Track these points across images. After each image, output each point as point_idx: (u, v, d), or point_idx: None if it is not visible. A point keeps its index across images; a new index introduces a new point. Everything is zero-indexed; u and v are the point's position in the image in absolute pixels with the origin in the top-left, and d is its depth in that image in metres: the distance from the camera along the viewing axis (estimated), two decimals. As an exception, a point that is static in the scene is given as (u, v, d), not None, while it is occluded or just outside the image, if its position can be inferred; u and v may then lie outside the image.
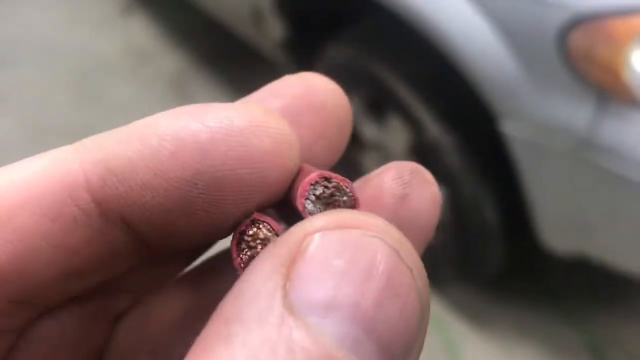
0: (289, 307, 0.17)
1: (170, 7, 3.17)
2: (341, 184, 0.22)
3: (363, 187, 0.26)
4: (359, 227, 0.19)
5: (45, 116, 2.55)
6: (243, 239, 0.21)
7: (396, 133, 1.66)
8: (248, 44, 2.42)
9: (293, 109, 0.26)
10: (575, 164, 1.26)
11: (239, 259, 0.21)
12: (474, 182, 1.49)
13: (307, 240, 0.18)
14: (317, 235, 0.18)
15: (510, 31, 1.24)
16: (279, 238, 0.19)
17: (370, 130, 1.77)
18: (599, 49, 1.15)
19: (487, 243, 1.58)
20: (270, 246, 0.19)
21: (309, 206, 0.21)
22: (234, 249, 0.21)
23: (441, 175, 1.57)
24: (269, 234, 0.21)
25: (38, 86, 2.74)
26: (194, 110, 0.21)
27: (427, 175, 0.26)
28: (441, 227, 1.68)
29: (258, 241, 0.21)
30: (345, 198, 0.22)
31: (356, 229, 0.19)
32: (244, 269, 0.21)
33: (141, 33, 3.07)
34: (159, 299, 0.27)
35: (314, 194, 0.21)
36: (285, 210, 0.23)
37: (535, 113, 1.26)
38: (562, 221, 1.40)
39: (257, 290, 0.18)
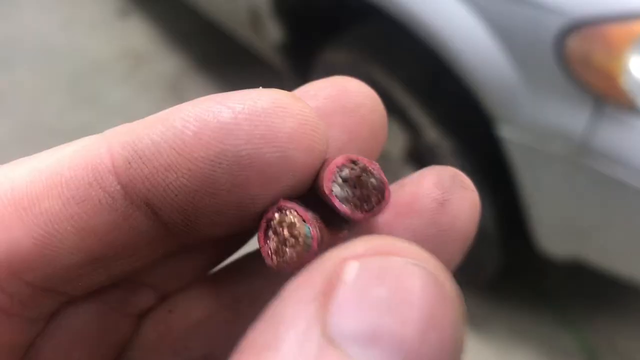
0: (328, 337, 0.16)
1: (168, 9, 3.17)
2: (368, 166, 0.21)
3: (398, 191, 0.25)
4: (400, 254, 0.18)
5: (42, 117, 2.54)
6: (269, 226, 0.21)
7: (394, 137, 1.66)
8: (246, 47, 2.43)
9: (325, 110, 0.26)
10: (572, 169, 1.26)
11: (266, 245, 0.21)
12: (471, 186, 1.49)
13: (345, 267, 0.17)
14: (355, 263, 0.17)
15: (508, 36, 1.25)
16: (315, 263, 0.18)
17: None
18: (596, 54, 1.15)
19: (484, 247, 1.58)
20: (306, 271, 0.18)
21: (336, 189, 0.21)
22: (261, 236, 0.21)
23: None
24: (295, 219, 0.21)
25: (35, 87, 2.73)
26: (218, 96, 0.21)
27: (466, 180, 0.25)
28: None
29: (284, 225, 0.21)
30: (373, 180, 0.21)
31: (396, 256, 0.18)
32: (270, 256, 0.21)
33: (138, 35, 3.07)
34: (184, 298, 0.27)
35: (340, 177, 0.21)
36: (313, 201, 0.22)
37: (533, 118, 1.26)
38: (559, 225, 1.40)
39: (293, 318, 0.17)
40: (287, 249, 0.20)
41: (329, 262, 0.18)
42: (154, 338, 0.26)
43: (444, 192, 0.24)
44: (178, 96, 2.62)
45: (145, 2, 3.31)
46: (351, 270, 0.17)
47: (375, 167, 0.21)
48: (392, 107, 1.61)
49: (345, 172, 0.21)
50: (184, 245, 0.24)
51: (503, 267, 1.66)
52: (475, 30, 1.29)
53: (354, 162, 0.21)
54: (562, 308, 1.77)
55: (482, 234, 1.55)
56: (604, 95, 1.17)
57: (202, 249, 0.26)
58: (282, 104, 0.21)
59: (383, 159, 1.75)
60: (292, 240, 0.20)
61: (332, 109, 0.26)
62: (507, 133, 1.32)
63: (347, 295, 0.17)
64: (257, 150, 0.21)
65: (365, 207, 0.21)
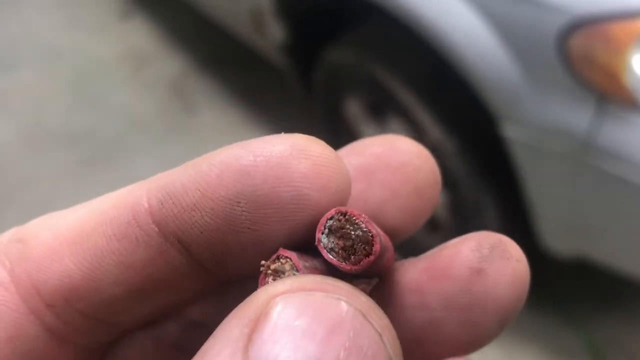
0: None
1: (170, 10, 3.17)
2: (355, 218, 0.22)
3: (437, 254, 0.25)
4: (323, 290, 0.19)
5: (45, 118, 2.55)
6: (267, 273, 0.22)
7: (397, 136, 1.66)
8: (248, 47, 2.43)
9: (369, 166, 0.26)
10: (576, 167, 1.26)
11: None
12: (475, 184, 1.49)
13: (271, 303, 0.19)
14: (279, 298, 0.19)
15: (511, 35, 1.24)
16: (247, 299, 0.20)
17: (370, 133, 1.77)
18: (599, 52, 1.15)
19: (488, 246, 1.58)
20: (237, 308, 0.20)
21: (324, 240, 0.22)
22: (261, 283, 0.22)
23: (442, 178, 1.57)
24: (287, 267, 0.22)
25: (38, 89, 2.74)
26: (246, 142, 0.23)
27: (511, 250, 0.25)
28: (442, 229, 1.68)
29: (276, 272, 0.22)
30: (359, 232, 0.22)
31: (320, 291, 0.19)
32: None
33: (141, 36, 3.08)
34: None
35: (328, 228, 0.22)
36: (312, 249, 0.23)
37: (536, 116, 1.26)
38: (563, 224, 1.40)
39: (219, 349, 0.18)
40: None
41: (258, 299, 0.19)
42: None
43: (481, 260, 0.24)
44: (181, 96, 2.62)
45: (147, 3, 3.31)
46: (275, 305, 0.19)
47: (363, 219, 0.22)
48: (395, 107, 1.61)
49: (330, 223, 0.22)
50: (219, 281, 0.25)
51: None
52: (477, 29, 1.29)
53: (343, 214, 0.22)
54: (567, 307, 1.77)
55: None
56: (606, 93, 1.17)
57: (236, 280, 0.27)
58: (300, 147, 0.22)
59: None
60: None
61: (375, 166, 0.26)
62: (511, 132, 1.32)
63: (270, 328, 0.18)
64: (273, 190, 0.22)
65: (352, 259, 0.22)
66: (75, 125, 2.50)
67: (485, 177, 1.50)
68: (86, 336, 0.24)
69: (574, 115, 1.21)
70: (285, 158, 0.22)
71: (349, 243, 0.22)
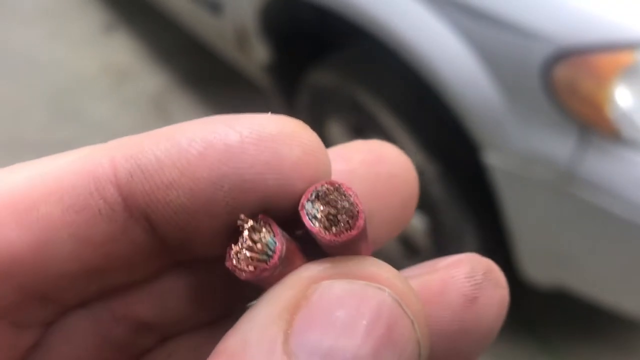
0: (289, 353, 0.18)
1: (153, 26, 3.17)
2: (344, 188, 0.21)
3: (429, 276, 0.24)
4: (364, 278, 0.19)
5: (23, 132, 2.51)
6: (241, 232, 0.21)
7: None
8: (230, 65, 2.42)
9: (358, 174, 0.26)
10: (557, 197, 1.26)
11: (230, 248, 0.21)
12: (455, 211, 1.49)
13: (313, 288, 0.19)
14: (322, 284, 0.19)
15: (496, 63, 1.25)
16: (287, 280, 0.20)
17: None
18: (583, 83, 1.15)
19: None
20: (276, 288, 0.19)
21: (308, 205, 0.21)
22: (229, 247, 0.21)
23: (423, 204, 1.57)
24: (263, 229, 0.20)
25: (17, 101, 2.71)
26: (226, 118, 0.21)
27: (500, 278, 0.25)
28: (420, 254, 1.67)
29: (251, 232, 0.20)
30: (345, 203, 0.21)
31: (361, 280, 0.19)
32: (230, 259, 0.20)
33: (122, 51, 3.06)
34: (184, 343, 0.26)
35: (316, 194, 0.21)
36: (306, 239, 0.22)
37: (518, 145, 1.26)
38: (542, 253, 1.40)
39: (260, 332, 0.18)
40: (247, 253, 0.20)
41: (299, 281, 0.19)
42: None
43: (475, 288, 0.24)
44: (162, 113, 2.61)
45: (130, 18, 3.30)
46: (317, 290, 0.19)
47: (352, 193, 0.21)
48: (377, 130, 1.61)
49: (319, 189, 0.21)
50: (178, 261, 0.23)
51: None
52: (462, 56, 1.29)
53: (332, 184, 0.21)
54: (543, 334, 1.77)
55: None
56: (590, 123, 1.17)
57: (211, 298, 0.26)
58: (290, 131, 0.21)
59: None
60: (254, 247, 0.20)
61: (365, 175, 0.25)
62: (493, 159, 1.32)
63: (310, 315, 0.18)
64: (260, 176, 0.20)
65: (334, 229, 0.21)
66: (54, 139, 2.47)
67: (465, 203, 1.50)
68: (24, 314, 0.22)
69: (557, 145, 1.21)
70: (275, 142, 0.21)
71: (333, 211, 0.21)
